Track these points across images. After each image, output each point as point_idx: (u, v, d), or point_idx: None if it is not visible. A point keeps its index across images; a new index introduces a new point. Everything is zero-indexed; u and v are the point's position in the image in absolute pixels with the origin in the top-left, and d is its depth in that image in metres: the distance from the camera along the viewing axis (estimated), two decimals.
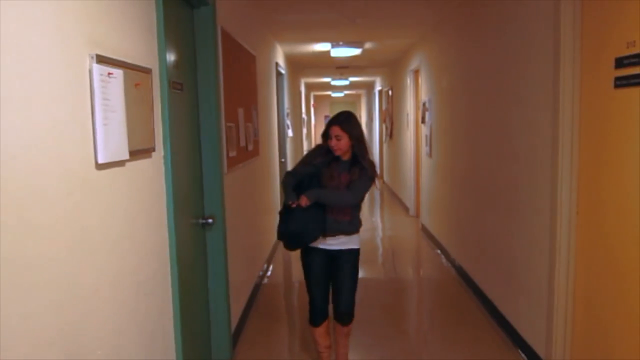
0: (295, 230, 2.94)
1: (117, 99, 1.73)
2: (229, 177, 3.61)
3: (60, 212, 1.41)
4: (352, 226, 3.06)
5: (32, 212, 1.27)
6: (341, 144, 2.94)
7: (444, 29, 5.89)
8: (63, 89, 1.45)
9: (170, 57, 2.58)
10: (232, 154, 3.77)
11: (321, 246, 3.05)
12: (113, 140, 1.70)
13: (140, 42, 2.03)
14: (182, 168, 2.75)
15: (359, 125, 3.03)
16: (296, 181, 3.04)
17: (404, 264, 6.33)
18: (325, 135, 3.01)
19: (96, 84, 1.60)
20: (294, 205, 2.94)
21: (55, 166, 1.39)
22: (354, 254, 3.10)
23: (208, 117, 3.26)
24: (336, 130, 2.93)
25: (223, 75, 3.53)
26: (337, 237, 3.04)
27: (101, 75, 1.63)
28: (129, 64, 1.86)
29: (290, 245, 3.08)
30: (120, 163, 1.79)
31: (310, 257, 3.09)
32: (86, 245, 1.55)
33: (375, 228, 8.24)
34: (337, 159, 3.00)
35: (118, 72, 1.74)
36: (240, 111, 4.17)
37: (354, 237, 3.10)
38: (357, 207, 3.10)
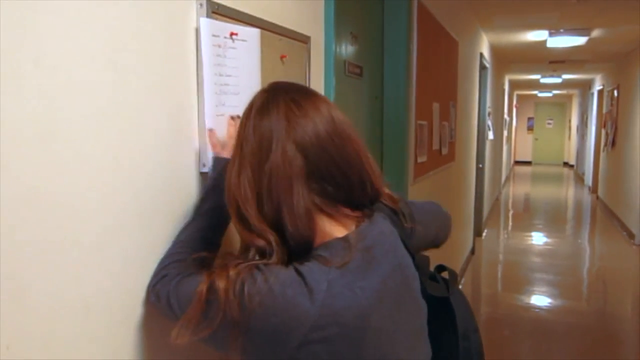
0: None
1: (246, 74, 1.11)
2: (415, 188, 2.88)
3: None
4: None
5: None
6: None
7: None
8: (146, 58, 0.86)
9: (345, 27, 1.93)
10: (422, 159, 3.03)
11: None
12: None
13: None
14: None
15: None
16: None
17: (621, 308, 4.97)
18: None
19: (205, 50, 0.99)
20: None
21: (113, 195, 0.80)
22: None
23: (394, 112, 2.58)
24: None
25: (417, 62, 2.82)
26: None
27: (215, 36, 1.01)
28: (270, 23, 1.23)
29: None
30: None
31: None
32: None
33: (580, 254, 6.85)
34: None
35: (249, 33, 1.12)
36: (436, 107, 3.41)
37: None
38: None
